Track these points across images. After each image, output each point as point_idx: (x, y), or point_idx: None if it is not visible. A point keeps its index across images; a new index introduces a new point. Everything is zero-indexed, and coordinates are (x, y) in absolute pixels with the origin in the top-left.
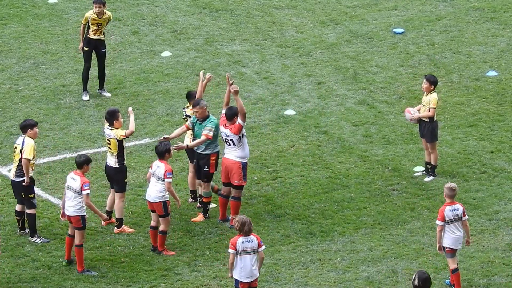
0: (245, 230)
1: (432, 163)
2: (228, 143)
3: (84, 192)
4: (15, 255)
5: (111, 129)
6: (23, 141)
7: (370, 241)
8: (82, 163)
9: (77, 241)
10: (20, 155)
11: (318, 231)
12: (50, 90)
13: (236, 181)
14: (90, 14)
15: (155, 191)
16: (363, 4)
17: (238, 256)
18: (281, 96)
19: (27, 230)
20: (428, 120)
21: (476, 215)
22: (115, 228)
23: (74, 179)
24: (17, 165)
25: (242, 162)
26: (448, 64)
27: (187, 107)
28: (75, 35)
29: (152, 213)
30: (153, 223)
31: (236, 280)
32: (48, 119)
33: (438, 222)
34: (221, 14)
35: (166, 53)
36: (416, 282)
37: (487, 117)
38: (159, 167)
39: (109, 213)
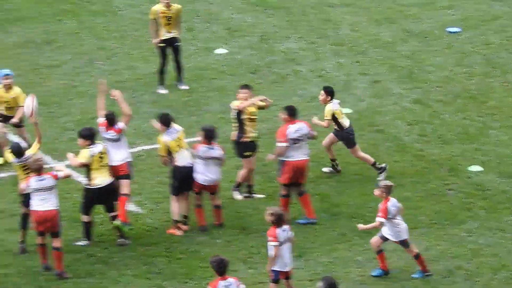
0: (281, 222)
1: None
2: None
3: None
4: (72, 250)
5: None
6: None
7: (426, 240)
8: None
9: (125, 190)
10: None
11: (374, 230)
12: None
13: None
14: (159, 7)
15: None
16: (418, 3)
17: (279, 247)
18: (336, 94)
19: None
20: (338, 129)
21: None
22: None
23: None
24: None
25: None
26: (504, 64)
27: None
28: (130, 32)
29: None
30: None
31: (276, 272)
32: None
33: (379, 219)
34: (276, 12)
35: (221, 50)
36: None
37: None
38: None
39: (185, 217)
